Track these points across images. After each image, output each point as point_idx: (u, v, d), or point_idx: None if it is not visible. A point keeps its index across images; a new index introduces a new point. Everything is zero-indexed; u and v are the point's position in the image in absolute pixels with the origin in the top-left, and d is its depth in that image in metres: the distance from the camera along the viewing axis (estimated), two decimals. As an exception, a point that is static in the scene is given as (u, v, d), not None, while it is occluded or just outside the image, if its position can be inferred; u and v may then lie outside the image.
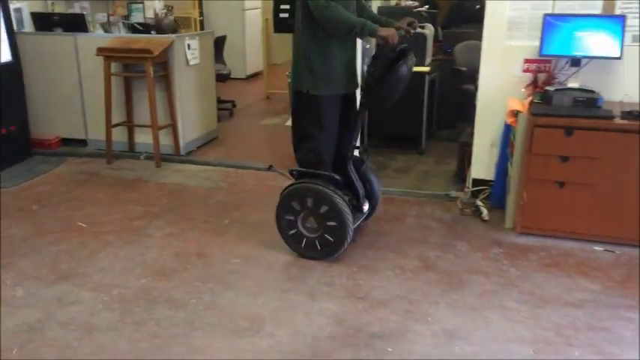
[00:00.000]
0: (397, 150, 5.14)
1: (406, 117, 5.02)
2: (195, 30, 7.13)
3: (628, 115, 3.07)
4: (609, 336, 2.47)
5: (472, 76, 4.96)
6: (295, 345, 2.41)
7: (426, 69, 4.95)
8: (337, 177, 3.09)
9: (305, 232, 3.11)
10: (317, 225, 3.07)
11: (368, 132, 5.06)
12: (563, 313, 2.64)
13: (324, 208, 3.01)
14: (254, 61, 8.82)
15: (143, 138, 4.96)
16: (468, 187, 3.97)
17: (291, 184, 3.17)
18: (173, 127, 4.87)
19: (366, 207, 3.28)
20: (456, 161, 4.43)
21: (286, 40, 8.74)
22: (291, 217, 3.11)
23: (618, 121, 3.04)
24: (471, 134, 4.01)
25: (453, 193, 4.02)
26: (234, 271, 3.03)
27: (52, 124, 5.10)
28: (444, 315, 2.63)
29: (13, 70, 4.61)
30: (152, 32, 4.94)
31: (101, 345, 2.38)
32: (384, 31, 2.84)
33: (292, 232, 3.14)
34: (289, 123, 5.09)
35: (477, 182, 3.93)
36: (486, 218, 3.63)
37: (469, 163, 4.01)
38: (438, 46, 5.77)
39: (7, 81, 4.53)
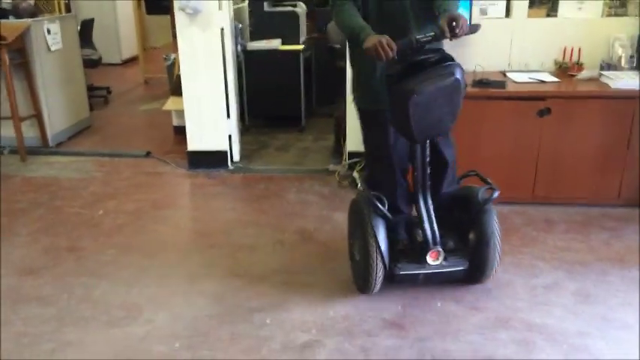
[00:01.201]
0: (278, 129, 5.19)
1: (284, 96, 5.08)
2: (61, 14, 6.68)
3: (478, 83, 3.33)
4: (466, 285, 2.71)
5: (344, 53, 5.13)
6: (174, 328, 2.41)
7: (300, 47, 5.03)
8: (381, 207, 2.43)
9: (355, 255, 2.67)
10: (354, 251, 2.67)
11: (248, 111, 5.07)
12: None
13: (357, 234, 2.59)
14: (129, 45, 8.44)
15: (5, 131, 4.61)
16: (344, 161, 4.12)
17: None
18: (38, 117, 4.58)
19: (434, 260, 2.44)
20: (334, 136, 4.57)
21: (163, 21, 8.50)
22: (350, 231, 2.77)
23: (469, 89, 3.29)
24: (345, 109, 4.15)
25: (331, 167, 4.16)
26: (109, 262, 2.94)
27: None
28: (324, 283, 2.74)
29: None
30: (10, 17, 4.57)
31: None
32: (368, 42, 2.21)
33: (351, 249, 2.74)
34: (167, 107, 4.98)
35: (352, 155, 4.09)
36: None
37: (344, 138, 4.16)
38: (313, 24, 5.86)
39: None
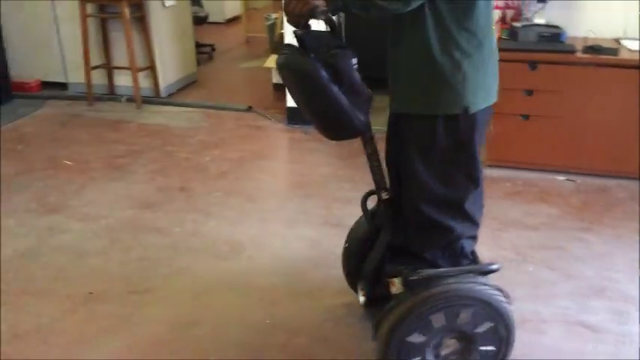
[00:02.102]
0: (377, 91, 5.23)
1: (385, 57, 5.10)
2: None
3: (589, 49, 3.22)
4: (562, 254, 2.70)
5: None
6: (273, 266, 2.61)
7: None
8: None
9: None
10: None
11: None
12: (522, 235, 2.87)
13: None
14: (233, 5, 8.72)
15: (123, 80, 5.00)
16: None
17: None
18: (152, 69, 4.92)
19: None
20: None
21: (265, -18, 8.71)
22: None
23: (580, 55, 3.18)
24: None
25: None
26: (215, 203, 3.19)
27: (31, 68, 5.10)
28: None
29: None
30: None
31: (92, 267, 2.56)
32: None
33: None
34: (268, 64, 5.18)
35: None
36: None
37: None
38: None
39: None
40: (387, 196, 1.93)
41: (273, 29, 6.15)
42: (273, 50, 5.22)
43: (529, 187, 3.37)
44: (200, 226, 2.94)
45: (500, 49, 3.31)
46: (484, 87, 1.72)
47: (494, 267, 1.85)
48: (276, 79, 5.22)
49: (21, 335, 2.11)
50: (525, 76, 3.26)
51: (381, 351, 1.79)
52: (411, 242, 1.89)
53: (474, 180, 1.79)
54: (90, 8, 4.69)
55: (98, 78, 4.94)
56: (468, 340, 1.80)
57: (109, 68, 5.00)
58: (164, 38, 4.99)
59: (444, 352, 1.82)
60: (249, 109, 4.77)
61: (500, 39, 3.46)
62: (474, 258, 1.94)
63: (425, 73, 1.69)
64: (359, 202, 3.16)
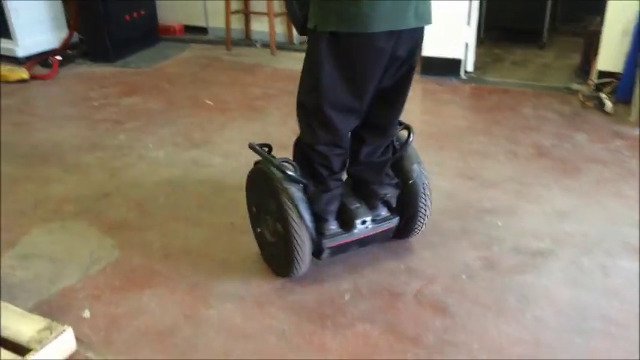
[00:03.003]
0: (515, 43, 4.91)
1: (527, 8, 4.74)
2: None
3: None
4: None
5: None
6: (407, 213, 2.57)
7: (556, -47, 4.58)
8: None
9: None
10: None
11: (485, 23, 4.85)
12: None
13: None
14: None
15: (258, 26, 5.11)
16: (592, 80, 3.77)
17: None
18: (287, 15, 4.95)
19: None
20: (580, 53, 4.19)
21: None
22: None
23: None
24: (601, 23, 3.75)
25: (575, 86, 3.85)
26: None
27: (175, 12, 5.36)
28: (557, 197, 2.65)
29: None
30: None
31: (232, 200, 2.67)
32: None
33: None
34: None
35: (602, 75, 3.72)
36: (610, 111, 3.47)
37: (595, 54, 3.79)
38: None
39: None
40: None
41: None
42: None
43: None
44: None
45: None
46: (348, 11, 1.72)
47: None
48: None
49: (171, 255, 2.27)
50: None
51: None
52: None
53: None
54: (232, -46, 4.80)
55: (235, 23, 5.09)
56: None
57: (246, 14, 5.12)
58: (301, -16, 4.98)
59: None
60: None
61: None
62: None
63: None
64: (496, 156, 3.03)
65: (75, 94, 4.03)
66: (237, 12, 5.03)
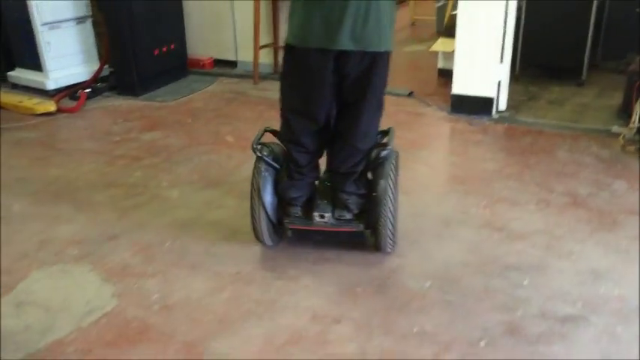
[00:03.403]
0: (553, 80, 4.69)
1: (566, 44, 4.53)
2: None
3: None
4: None
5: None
6: (425, 267, 2.39)
7: (597, -12, 4.39)
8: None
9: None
10: None
11: (520, 58, 4.67)
12: None
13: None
14: (401, -14, 8.46)
15: (245, 56, 5.09)
16: (633, 123, 3.53)
17: None
18: (275, 46, 4.91)
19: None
20: (623, 93, 3.94)
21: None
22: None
23: None
24: (645, 62, 3.53)
25: (615, 129, 3.61)
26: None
27: (206, 45, 5.37)
28: (592, 254, 2.43)
29: (173, -10, 4.88)
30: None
31: (241, 245, 2.55)
32: None
33: None
34: (435, 48, 4.88)
35: (645, 117, 3.48)
36: (653, 157, 3.23)
37: (638, 95, 3.55)
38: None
39: (168, 1, 4.81)
40: None
41: (443, 11, 5.81)
42: (443, 32, 4.91)
43: None
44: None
45: None
46: (296, 27, 2.15)
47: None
48: (442, 64, 4.91)
49: (169, 306, 2.15)
50: None
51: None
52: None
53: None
54: (263, -11, 4.78)
55: (264, 57, 5.06)
56: None
57: (275, 48, 5.09)
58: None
59: None
60: (411, 94, 4.54)
61: None
62: None
63: None
64: (527, 205, 2.82)
65: (98, 128, 4.03)
66: (265, 46, 5.00)
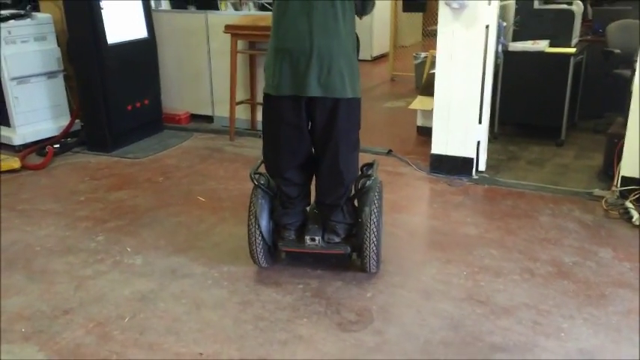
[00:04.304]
0: (532, 140, 4.66)
1: (544, 104, 4.53)
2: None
3: None
4: None
5: (627, 59, 4.37)
6: (404, 347, 2.22)
7: (572, 50, 4.43)
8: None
9: None
10: None
11: (498, 118, 4.64)
12: None
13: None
14: (380, 43, 8.57)
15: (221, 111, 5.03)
16: (616, 186, 3.47)
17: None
18: (252, 103, 4.85)
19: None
20: (603, 155, 3.90)
21: (415, 20, 8.45)
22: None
23: None
24: (623, 125, 3.50)
25: (597, 192, 3.54)
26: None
27: (182, 100, 5.28)
28: (581, 332, 2.28)
29: (149, 45, 4.79)
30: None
31: (207, 322, 2.36)
32: None
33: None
34: (414, 106, 4.85)
35: (627, 181, 3.42)
36: (637, 223, 3.14)
37: (619, 159, 3.50)
38: (587, 26, 5.15)
39: (143, 56, 4.73)
40: None
41: (422, 68, 5.84)
42: (422, 91, 4.89)
43: None
44: (325, 286, 2.63)
45: None
46: (270, 78, 2.45)
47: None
48: (421, 121, 4.86)
49: (123, 396, 1.94)
50: None
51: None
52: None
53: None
54: (240, 44, 4.74)
55: (241, 112, 4.97)
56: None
57: (252, 104, 5.01)
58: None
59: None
60: (390, 152, 4.46)
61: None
62: None
63: None
64: (510, 274, 2.69)
65: (63, 186, 3.84)
66: (242, 102, 4.92)
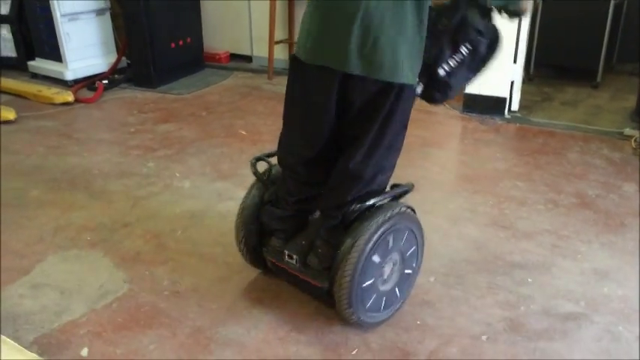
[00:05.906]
0: (567, 81, 4.69)
1: (582, 45, 4.53)
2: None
3: None
4: None
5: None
6: (430, 263, 2.41)
7: (614, -10, 4.37)
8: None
9: None
10: None
11: (535, 59, 4.66)
12: None
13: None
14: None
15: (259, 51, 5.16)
16: (646, 126, 3.53)
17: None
18: (290, 42, 4.95)
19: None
20: (637, 96, 3.94)
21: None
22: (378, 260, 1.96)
23: None
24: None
25: (628, 131, 3.61)
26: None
27: (222, 40, 5.44)
28: (597, 255, 2.45)
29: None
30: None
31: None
32: None
33: None
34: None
35: (658, 120, 3.48)
36: (664, 161, 3.23)
37: (652, 99, 3.54)
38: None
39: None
40: None
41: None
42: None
43: None
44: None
45: None
46: (301, 36, 1.85)
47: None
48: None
49: (179, 293, 2.21)
50: None
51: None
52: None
53: None
54: (279, -14, 4.82)
55: (279, 52, 5.10)
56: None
57: (290, 43, 5.13)
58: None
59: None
60: (424, 92, 4.55)
61: None
62: None
63: None
64: (534, 204, 2.84)
65: (114, 118, 4.11)
66: (280, 41, 5.05)
